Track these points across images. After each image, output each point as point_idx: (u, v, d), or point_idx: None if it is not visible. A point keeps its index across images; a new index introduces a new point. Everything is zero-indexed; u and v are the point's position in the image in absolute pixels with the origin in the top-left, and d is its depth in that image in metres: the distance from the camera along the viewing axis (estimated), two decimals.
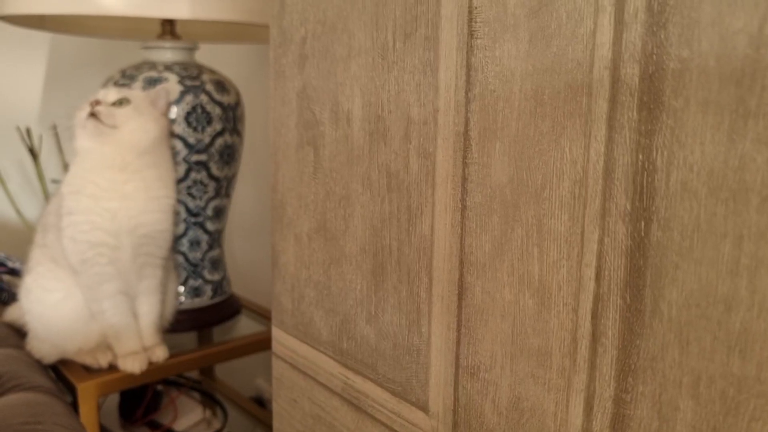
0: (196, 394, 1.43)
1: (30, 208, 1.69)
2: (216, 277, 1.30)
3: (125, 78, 1.17)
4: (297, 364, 0.61)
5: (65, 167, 1.72)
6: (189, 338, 1.23)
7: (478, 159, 0.42)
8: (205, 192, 1.22)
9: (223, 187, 1.25)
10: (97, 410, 1.04)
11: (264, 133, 1.48)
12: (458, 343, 0.45)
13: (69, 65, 1.77)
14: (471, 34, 0.41)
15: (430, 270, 0.46)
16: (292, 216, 0.59)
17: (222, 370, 1.66)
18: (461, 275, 0.44)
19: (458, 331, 0.45)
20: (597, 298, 0.36)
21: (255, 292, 1.57)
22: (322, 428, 0.59)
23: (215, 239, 1.28)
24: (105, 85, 1.19)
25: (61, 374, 1.04)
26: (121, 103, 0.98)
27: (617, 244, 0.35)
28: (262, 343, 1.22)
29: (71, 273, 0.99)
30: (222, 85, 1.20)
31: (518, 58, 0.39)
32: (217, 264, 1.29)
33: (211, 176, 1.21)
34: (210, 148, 1.18)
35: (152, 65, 1.18)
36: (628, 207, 0.34)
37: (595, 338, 0.37)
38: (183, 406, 1.33)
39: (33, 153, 1.61)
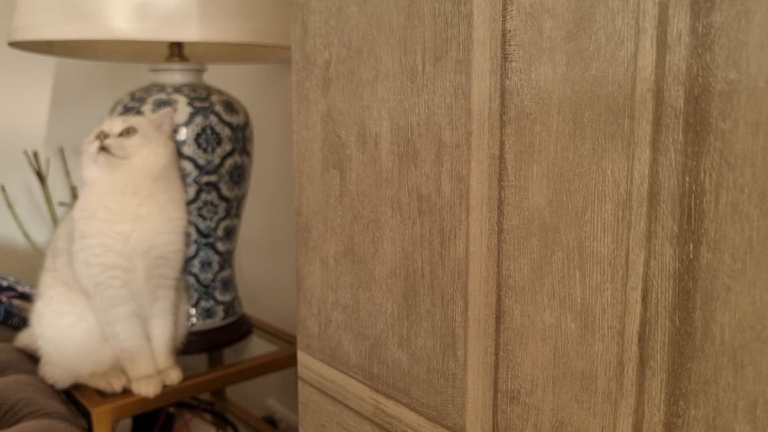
0: (209, 416, 1.42)
1: (38, 232, 1.69)
2: (227, 297, 1.29)
3: (135, 101, 1.17)
4: (325, 389, 0.61)
5: (73, 190, 1.72)
6: (199, 360, 1.22)
7: (515, 182, 0.42)
8: (216, 213, 1.21)
9: (234, 208, 1.24)
10: None
11: (272, 153, 1.48)
12: (496, 366, 0.45)
13: (75, 88, 1.77)
14: (505, 57, 0.41)
15: (465, 293, 0.46)
16: (318, 239, 0.59)
17: (233, 391, 1.65)
18: (499, 298, 0.44)
19: (496, 354, 0.45)
20: (644, 321, 0.36)
21: (266, 312, 1.56)
22: None
23: (226, 260, 1.28)
24: (114, 108, 1.19)
25: (75, 399, 1.04)
26: (128, 132, 0.98)
27: (664, 266, 0.35)
28: (275, 364, 1.21)
29: (83, 296, 0.98)
30: (231, 105, 1.20)
31: (555, 80, 0.39)
32: (228, 285, 1.29)
33: (221, 197, 1.21)
34: (220, 169, 1.18)
35: (161, 87, 1.18)
36: (676, 229, 0.34)
37: (642, 362, 0.36)
38: (196, 429, 1.32)
39: (40, 176, 1.61)
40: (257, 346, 1.31)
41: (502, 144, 0.42)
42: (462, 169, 0.45)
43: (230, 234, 1.27)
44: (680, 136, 0.33)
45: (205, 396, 1.51)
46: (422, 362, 0.50)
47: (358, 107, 0.53)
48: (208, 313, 1.27)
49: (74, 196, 1.73)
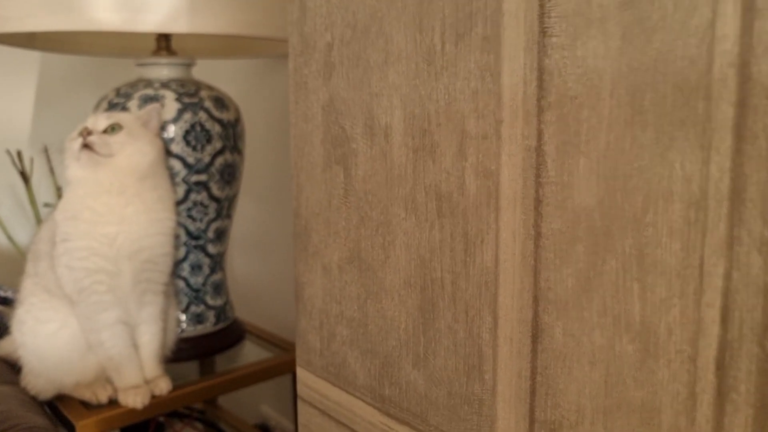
0: (200, 425, 1.36)
1: (22, 234, 1.62)
2: (219, 302, 1.23)
3: (120, 96, 1.11)
4: (328, 410, 0.54)
5: (58, 190, 1.64)
6: (189, 367, 1.16)
7: (556, 178, 0.35)
8: (206, 213, 1.15)
9: (225, 208, 1.18)
10: None
11: (264, 151, 1.41)
12: (533, 393, 0.38)
13: (59, 85, 1.70)
14: (543, 32, 0.35)
15: (494, 307, 0.40)
16: (319, 244, 0.53)
17: (225, 397, 1.59)
18: (536, 314, 0.37)
19: (533, 379, 0.38)
20: (723, 346, 0.30)
21: (258, 316, 1.50)
22: None
23: (217, 263, 1.21)
24: (99, 104, 1.12)
25: (59, 411, 0.97)
26: (113, 129, 0.93)
27: (750, 279, 0.29)
28: (270, 371, 1.15)
29: (66, 302, 0.93)
30: (221, 101, 1.14)
31: (608, 57, 0.32)
32: (219, 288, 1.22)
33: (211, 197, 1.14)
34: (210, 168, 1.12)
35: (148, 83, 1.12)
36: (767, 234, 0.28)
37: (721, 394, 0.30)
38: None
39: (24, 176, 1.54)
40: (251, 353, 1.25)
41: (539, 133, 0.36)
42: (490, 163, 0.39)
43: (221, 236, 1.20)
44: None
45: (197, 404, 1.45)
46: (442, 385, 0.44)
47: (365, 95, 0.46)
48: (198, 319, 1.20)
49: (59, 196, 1.66)
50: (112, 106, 1.11)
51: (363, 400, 0.50)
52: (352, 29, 0.47)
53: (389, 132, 0.45)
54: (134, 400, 0.96)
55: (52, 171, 1.67)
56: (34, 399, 0.98)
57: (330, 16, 0.49)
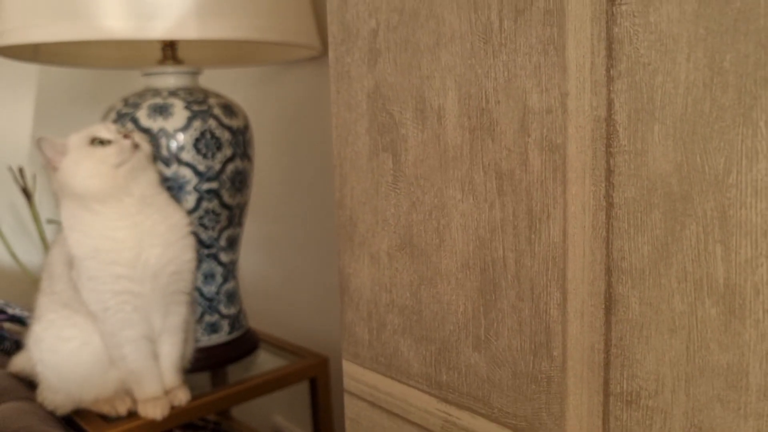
0: None
1: (26, 252, 1.60)
2: (232, 311, 1.22)
3: (129, 106, 1.10)
4: (378, 402, 0.54)
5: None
6: (201, 378, 1.14)
7: (629, 147, 0.35)
8: (218, 222, 1.14)
9: (236, 216, 1.17)
10: None
11: (272, 158, 1.41)
12: (607, 366, 0.38)
13: (59, 100, 1.69)
14: (612, 1, 0.35)
15: (563, 282, 0.40)
16: (366, 233, 0.52)
17: (238, 408, 1.57)
18: (609, 285, 0.37)
19: (606, 352, 0.38)
20: None
21: (269, 324, 1.49)
22: None
23: (230, 271, 1.20)
24: (107, 114, 1.12)
25: (77, 426, 0.96)
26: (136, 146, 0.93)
27: None
28: (288, 378, 1.14)
29: (87, 318, 0.91)
30: (230, 108, 1.14)
31: (683, 21, 0.33)
32: (232, 297, 1.21)
33: (223, 204, 1.14)
34: (221, 175, 1.11)
35: (156, 92, 1.11)
36: None
37: None
38: None
39: (27, 193, 1.53)
40: (266, 361, 1.24)
41: (609, 103, 0.36)
42: (556, 137, 0.39)
43: (233, 244, 1.20)
44: None
45: (210, 415, 1.43)
46: (506, 366, 0.44)
47: (415, 78, 0.46)
48: (213, 328, 1.19)
49: None
50: (120, 116, 1.11)
51: (418, 389, 0.50)
52: (399, 13, 0.47)
53: (442, 114, 0.45)
54: (154, 411, 0.95)
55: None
56: (51, 414, 0.96)
57: (374, 2, 0.49)
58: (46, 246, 1.55)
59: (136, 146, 0.89)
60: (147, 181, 0.93)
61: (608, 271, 0.37)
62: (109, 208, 0.89)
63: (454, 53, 0.44)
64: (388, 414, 0.53)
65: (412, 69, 0.47)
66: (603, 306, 0.38)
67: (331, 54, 0.53)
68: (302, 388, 1.42)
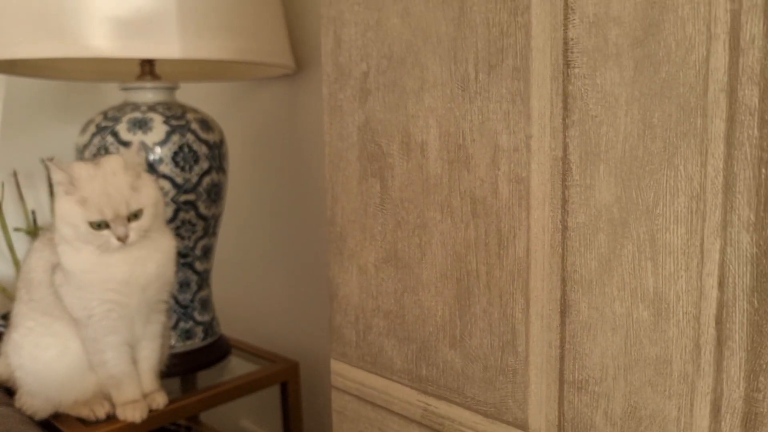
0: None
1: None
2: (206, 318, 1.27)
3: (108, 120, 1.15)
4: (364, 395, 0.61)
5: (27, 215, 1.65)
6: (171, 382, 1.18)
7: (580, 181, 0.44)
8: (194, 232, 1.20)
9: (211, 226, 1.23)
10: None
11: (245, 172, 1.47)
12: (562, 359, 0.47)
13: (27, 108, 1.71)
14: (567, 64, 0.44)
15: (526, 291, 0.48)
16: (355, 248, 0.60)
17: (206, 413, 1.61)
18: (564, 293, 0.46)
19: (561, 347, 0.47)
20: (721, 305, 0.39)
21: (240, 332, 1.54)
22: None
23: (204, 279, 1.26)
24: (86, 128, 1.16)
25: (56, 429, 1.00)
26: (136, 215, 0.90)
27: (741, 252, 0.38)
28: (263, 381, 1.20)
29: (67, 324, 0.95)
30: (206, 123, 1.20)
31: (623, 84, 0.42)
32: (206, 305, 1.27)
33: (199, 215, 1.20)
34: (198, 187, 1.17)
35: (135, 106, 1.17)
36: (752, 217, 0.37)
37: (720, 342, 0.39)
38: None
39: None
40: (237, 366, 1.29)
41: (565, 146, 0.45)
42: (521, 171, 0.47)
43: (207, 253, 1.26)
44: (755, 131, 0.36)
45: (185, 418, 1.47)
46: (478, 361, 0.52)
47: (401, 116, 0.55)
48: (187, 335, 1.24)
49: (29, 221, 1.67)
50: (100, 130, 1.15)
51: (400, 383, 0.58)
52: (388, 60, 0.55)
53: (425, 147, 0.53)
54: (133, 414, 0.99)
55: (21, 196, 1.68)
56: (30, 419, 1.00)
57: (365, 48, 0.57)
58: (13, 255, 1.57)
59: (125, 238, 0.88)
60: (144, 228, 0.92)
61: (563, 282, 0.46)
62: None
63: (436, 97, 0.52)
64: (373, 406, 0.60)
65: (399, 108, 0.55)
66: (559, 310, 0.46)
67: (325, 90, 0.61)
68: (268, 394, 1.48)
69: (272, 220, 1.43)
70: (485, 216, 0.50)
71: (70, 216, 0.88)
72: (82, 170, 0.89)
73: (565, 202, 0.45)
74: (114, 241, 0.88)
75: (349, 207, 0.60)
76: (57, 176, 0.89)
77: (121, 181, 0.89)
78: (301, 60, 1.29)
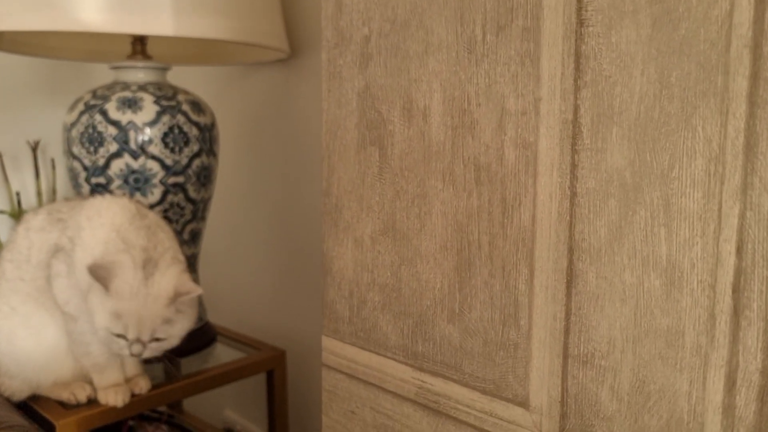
0: (165, 427, 1.36)
1: None
2: None
3: (97, 98, 1.13)
4: (356, 373, 0.59)
5: (12, 197, 1.62)
6: (153, 369, 1.15)
7: (591, 145, 0.42)
8: (182, 215, 1.17)
9: (200, 210, 1.21)
10: None
11: (235, 156, 1.44)
12: (567, 332, 0.45)
13: (12, 89, 1.68)
14: (581, 23, 0.42)
15: (531, 261, 0.46)
16: (351, 219, 0.58)
17: (189, 403, 1.59)
18: (570, 263, 0.44)
19: (567, 320, 0.45)
20: (738, 272, 0.37)
21: (227, 320, 1.51)
22: None
23: (191, 264, 1.23)
24: (75, 105, 1.13)
25: (35, 412, 0.97)
26: (158, 339, 0.87)
27: (761, 216, 0.36)
28: (246, 369, 1.17)
29: (50, 311, 0.92)
30: (198, 105, 1.17)
31: (639, 42, 0.40)
32: None
33: (188, 199, 1.17)
34: (187, 170, 1.15)
35: (125, 85, 1.14)
36: None
37: (737, 312, 0.37)
38: None
39: None
40: (223, 353, 1.27)
41: (576, 108, 0.43)
42: (529, 136, 0.45)
43: (195, 237, 1.23)
44: None
45: (167, 403, 1.45)
46: (477, 335, 0.50)
47: (403, 81, 0.53)
48: None
49: (17, 203, 1.63)
50: (88, 108, 1.13)
51: (395, 359, 0.56)
52: (391, 23, 0.53)
53: (428, 113, 0.51)
54: (115, 398, 0.96)
55: (6, 178, 1.64)
56: (7, 400, 0.97)
57: (367, 12, 0.55)
58: None
59: (139, 355, 0.86)
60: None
61: (570, 251, 0.44)
62: None
63: (440, 60, 0.50)
64: (365, 384, 0.58)
65: (401, 72, 0.53)
66: (565, 281, 0.44)
67: (324, 56, 0.58)
68: (253, 386, 1.45)
69: (262, 206, 1.41)
70: (489, 183, 0.48)
71: (97, 314, 0.85)
72: (127, 282, 0.85)
73: (574, 167, 0.43)
74: (126, 353, 0.86)
75: (345, 177, 0.58)
76: (99, 273, 0.84)
77: (158, 312, 0.85)
78: (295, 45, 1.27)
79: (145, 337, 0.86)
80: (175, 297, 0.86)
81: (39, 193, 1.65)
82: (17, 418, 0.94)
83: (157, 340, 0.87)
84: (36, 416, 0.97)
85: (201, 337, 1.25)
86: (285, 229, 1.35)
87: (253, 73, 1.39)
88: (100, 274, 0.84)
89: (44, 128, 1.71)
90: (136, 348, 0.86)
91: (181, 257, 0.95)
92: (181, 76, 1.50)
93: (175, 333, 0.88)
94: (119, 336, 0.85)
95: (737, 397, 0.38)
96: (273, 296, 1.40)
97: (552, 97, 0.44)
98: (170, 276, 0.87)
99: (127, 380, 1.00)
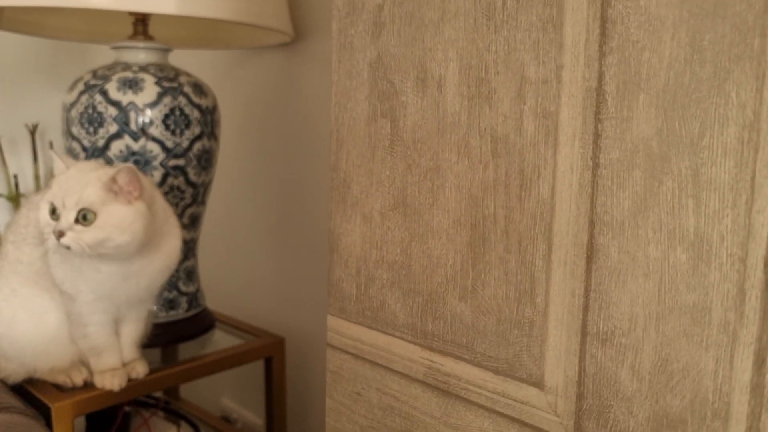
0: (162, 414, 1.34)
1: None
2: (191, 288, 1.23)
3: (97, 78, 1.10)
4: (362, 354, 0.57)
5: (9, 180, 1.60)
6: (151, 353, 1.14)
7: (616, 114, 0.41)
8: (182, 199, 1.16)
9: (200, 194, 1.19)
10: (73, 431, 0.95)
11: (237, 141, 1.42)
12: (585, 309, 0.43)
13: (10, 71, 1.66)
14: None
15: (549, 235, 0.44)
16: (360, 194, 0.56)
17: (186, 390, 1.57)
18: (591, 237, 0.42)
19: (586, 296, 0.43)
20: None
21: (225, 306, 1.50)
22: (395, 420, 0.55)
23: (190, 249, 1.22)
24: (74, 86, 1.11)
25: (30, 395, 0.95)
26: (85, 217, 0.80)
27: None
28: (245, 356, 1.16)
29: (49, 293, 0.91)
30: (200, 87, 1.15)
31: (670, 5, 0.38)
32: (192, 275, 1.23)
33: (188, 182, 1.15)
34: (188, 153, 1.13)
35: (126, 66, 1.12)
36: None
37: None
38: (155, 427, 1.25)
39: None
40: (221, 339, 1.25)
41: (601, 75, 0.41)
42: (549, 105, 0.44)
43: (195, 222, 1.21)
44: None
45: (158, 395, 1.43)
46: (491, 313, 0.48)
47: (417, 50, 0.51)
48: (171, 305, 1.20)
49: (14, 186, 1.61)
50: (88, 88, 1.11)
51: (403, 339, 0.54)
52: None
53: (443, 83, 0.49)
54: (111, 382, 0.95)
55: (4, 161, 1.62)
56: (2, 382, 0.96)
57: None
58: None
59: (59, 235, 0.80)
60: (124, 255, 0.85)
61: (591, 224, 0.42)
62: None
63: (457, 28, 0.48)
64: (371, 364, 0.56)
65: (415, 41, 0.51)
66: (585, 255, 0.43)
67: (334, 26, 0.57)
68: (251, 374, 1.44)
69: (261, 192, 1.39)
70: (507, 155, 0.46)
71: (40, 203, 0.83)
72: (62, 164, 0.86)
73: (597, 137, 0.41)
74: (53, 238, 0.80)
75: (355, 151, 0.56)
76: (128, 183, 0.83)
77: (90, 183, 0.81)
78: (298, 29, 1.25)
79: (70, 206, 0.79)
80: (111, 180, 0.81)
81: (37, 177, 1.63)
82: (12, 401, 0.92)
83: (86, 220, 0.79)
84: (31, 399, 0.95)
85: (199, 323, 1.23)
86: (285, 216, 1.33)
87: (255, 57, 1.37)
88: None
89: (43, 111, 1.69)
90: (62, 224, 0.79)
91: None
92: (183, 60, 1.48)
93: (108, 226, 0.80)
94: (51, 214, 0.81)
95: (767, 375, 0.36)
96: (272, 283, 1.39)
97: (575, 64, 0.42)
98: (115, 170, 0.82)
99: (125, 365, 0.99)
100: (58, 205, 0.81)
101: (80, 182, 0.82)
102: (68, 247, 0.80)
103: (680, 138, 0.38)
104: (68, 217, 0.80)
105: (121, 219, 0.81)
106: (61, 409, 0.92)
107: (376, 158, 0.54)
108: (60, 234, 0.79)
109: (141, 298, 0.94)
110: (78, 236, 0.79)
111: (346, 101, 0.56)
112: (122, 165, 0.82)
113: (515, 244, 0.46)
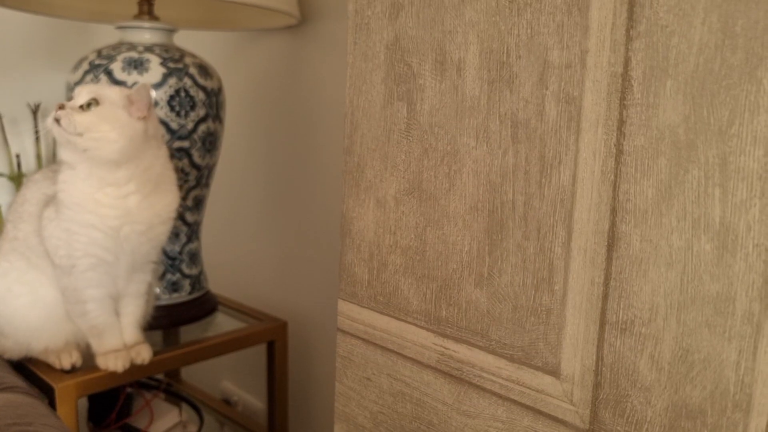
0: (163, 396, 1.35)
1: None
2: (194, 271, 1.23)
3: (102, 58, 1.09)
4: (373, 339, 0.57)
5: (11, 160, 1.59)
6: (153, 336, 1.14)
7: (642, 100, 0.40)
8: (186, 181, 1.15)
9: (204, 177, 1.18)
10: (76, 412, 0.95)
11: (241, 124, 1.41)
12: (605, 297, 0.43)
13: (13, 51, 1.64)
14: None
15: (569, 222, 0.44)
16: (374, 179, 0.55)
17: (187, 372, 1.57)
18: (613, 224, 0.42)
19: (605, 284, 0.42)
20: None
21: (227, 288, 1.49)
22: (405, 406, 0.55)
23: (194, 231, 1.21)
24: (79, 65, 1.10)
25: (32, 374, 0.95)
26: (89, 105, 0.84)
27: None
28: (248, 339, 1.16)
29: (42, 272, 0.90)
30: (205, 69, 1.14)
31: None
32: (195, 258, 1.22)
33: (193, 164, 1.15)
34: (193, 135, 1.12)
35: (131, 46, 1.11)
36: None
37: None
38: (158, 409, 1.25)
39: None
40: (224, 323, 1.25)
41: (627, 61, 0.40)
42: (573, 90, 0.43)
43: (199, 204, 1.21)
44: None
45: (160, 376, 1.43)
46: (507, 300, 0.48)
47: (437, 32, 0.50)
48: (174, 287, 1.20)
49: (16, 166, 1.60)
50: (93, 68, 1.09)
51: (416, 325, 0.53)
52: None
53: (462, 66, 0.48)
54: (115, 363, 0.95)
55: (6, 141, 1.61)
56: (7, 362, 0.96)
57: None
58: None
59: (56, 120, 0.84)
60: (104, 167, 0.86)
61: (613, 212, 0.42)
62: (89, 176, 0.86)
63: (478, 10, 0.47)
64: (383, 350, 0.56)
65: (434, 23, 0.50)
66: (605, 243, 0.42)
67: (350, 6, 0.56)
68: (253, 359, 1.44)
69: (266, 176, 1.38)
70: (527, 141, 0.45)
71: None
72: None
73: (621, 123, 0.41)
74: (51, 119, 0.83)
75: (369, 134, 0.55)
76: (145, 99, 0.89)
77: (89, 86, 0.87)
78: (305, 11, 1.24)
79: (84, 94, 0.85)
80: (130, 95, 0.87)
81: (39, 157, 1.62)
82: (16, 380, 0.92)
83: (89, 107, 0.84)
84: (34, 379, 0.95)
85: (202, 306, 1.23)
86: (288, 200, 1.33)
87: (261, 39, 1.36)
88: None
89: (45, 91, 1.67)
90: (68, 104, 0.84)
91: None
92: (188, 41, 1.47)
93: (103, 119, 0.84)
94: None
95: None
96: (276, 267, 1.38)
97: (601, 49, 0.41)
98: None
99: (128, 348, 0.98)
100: (75, 95, 0.85)
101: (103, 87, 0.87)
102: (58, 122, 0.83)
103: (708, 125, 0.37)
104: (77, 100, 0.84)
105: (117, 118, 0.85)
106: (64, 389, 0.92)
107: (392, 142, 0.54)
108: (60, 107, 0.84)
109: (136, 264, 0.93)
110: (72, 115, 0.83)
111: (361, 84, 0.55)
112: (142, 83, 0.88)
113: (534, 231, 0.46)
